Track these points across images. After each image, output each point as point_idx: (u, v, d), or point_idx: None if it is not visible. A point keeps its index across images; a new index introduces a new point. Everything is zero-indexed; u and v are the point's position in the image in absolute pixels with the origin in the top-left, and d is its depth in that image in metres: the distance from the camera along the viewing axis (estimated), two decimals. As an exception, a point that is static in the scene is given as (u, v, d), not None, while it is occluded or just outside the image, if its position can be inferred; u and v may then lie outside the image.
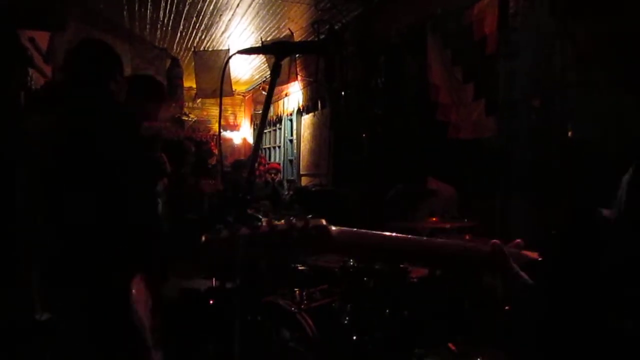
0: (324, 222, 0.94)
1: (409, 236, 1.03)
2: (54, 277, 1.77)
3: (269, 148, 10.38)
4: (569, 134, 3.10)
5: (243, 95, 11.76)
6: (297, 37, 6.69)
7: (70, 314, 1.71)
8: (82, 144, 1.80)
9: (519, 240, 1.07)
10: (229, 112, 11.94)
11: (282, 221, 0.96)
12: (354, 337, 2.49)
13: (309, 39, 6.69)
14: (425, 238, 1.09)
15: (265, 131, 10.42)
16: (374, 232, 1.01)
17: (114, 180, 1.77)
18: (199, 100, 10.50)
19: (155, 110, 2.98)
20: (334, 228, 0.95)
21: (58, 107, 1.94)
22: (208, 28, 6.91)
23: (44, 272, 1.80)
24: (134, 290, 1.66)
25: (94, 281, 1.71)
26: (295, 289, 2.82)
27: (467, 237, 2.66)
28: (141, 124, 2.70)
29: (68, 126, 1.86)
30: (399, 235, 1.01)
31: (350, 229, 0.99)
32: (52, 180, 1.82)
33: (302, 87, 7.99)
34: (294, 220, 0.94)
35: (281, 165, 9.11)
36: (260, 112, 10.09)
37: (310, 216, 0.95)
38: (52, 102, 2.00)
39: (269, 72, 7.82)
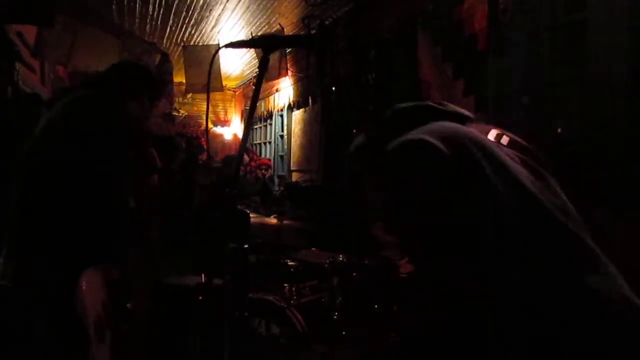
0: None
1: None
2: (12, 246, 1.81)
3: (260, 144, 10.36)
4: (558, 130, 3.12)
5: (234, 91, 11.72)
6: (288, 33, 6.66)
7: (19, 286, 1.75)
8: (59, 137, 1.81)
9: None
10: (220, 107, 11.90)
11: None
12: (344, 333, 2.49)
13: (297, 34, 6.68)
14: None
15: (255, 127, 10.40)
16: None
17: (83, 171, 1.78)
18: (189, 96, 10.45)
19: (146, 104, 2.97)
20: None
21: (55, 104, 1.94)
22: (198, 23, 6.87)
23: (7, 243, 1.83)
24: (84, 281, 1.68)
25: (46, 259, 1.74)
26: (285, 285, 2.82)
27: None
28: (139, 125, 2.70)
29: (53, 121, 1.86)
30: None
31: None
32: (29, 170, 1.85)
33: (292, 83, 7.97)
34: None
35: (272, 161, 9.10)
36: (251, 107, 10.05)
37: None
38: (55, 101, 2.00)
39: (258, 67, 7.79)
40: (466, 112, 1.29)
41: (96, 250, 1.79)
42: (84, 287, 1.68)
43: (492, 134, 1.20)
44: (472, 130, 1.20)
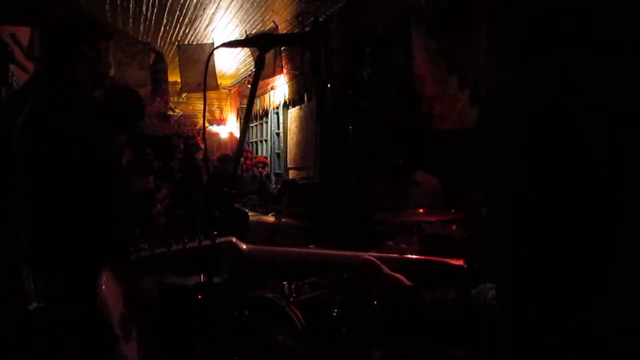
0: (233, 239, 1.04)
1: (312, 250, 1.14)
2: (30, 267, 1.80)
3: (256, 142, 10.35)
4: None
5: (229, 89, 11.70)
6: (282, 30, 6.66)
7: (47, 303, 1.75)
8: (36, 138, 1.78)
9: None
10: (215, 106, 11.88)
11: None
12: (343, 330, 2.50)
13: (293, 32, 6.67)
14: (326, 251, 1.20)
15: (251, 125, 10.39)
16: (286, 248, 1.13)
17: (74, 173, 1.76)
18: (184, 95, 10.43)
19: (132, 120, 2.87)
20: (244, 246, 1.05)
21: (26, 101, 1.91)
22: (192, 22, 6.86)
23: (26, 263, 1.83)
24: (103, 282, 1.70)
25: (62, 272, 1.74)
26: (284, 283, 2.82)
27: (454, 228, 2.68)
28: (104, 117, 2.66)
29: (22, 135, 1.83)
30: (304, 250, 1.12)
31: (264, 246, 1.10)
32: (20, 174, 1.83)
33: (287, 80, 7.97)
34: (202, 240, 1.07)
35: (268, 158, 9.10)
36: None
37: (216, 234, 1.07)
38: (25, 96, 1.96)
39: (254, 66, 7.77)
40: None
41: (108, 249, 1.80)
42: (104, 288, 1.70)
43: None
44: None
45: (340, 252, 1.14)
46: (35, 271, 1.79)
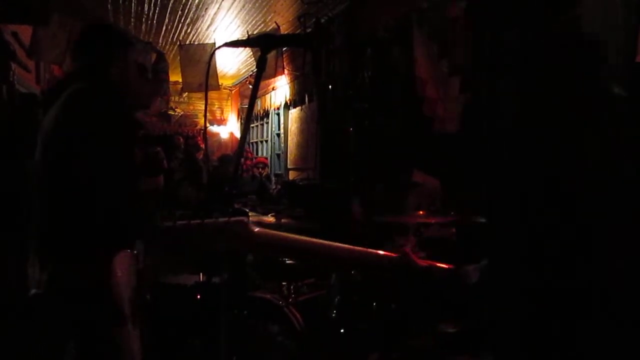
0: (245, 219, 1.17)
1: (322, 242, 1.23)
2: (42, 253, 1.82)
3: (257, 142, 10.36)
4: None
5: (230, 90, 11.70)
6: (284, 31, 6.66)
7: (55, 287, 1.77)
8: (65, 137, 1.81)
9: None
10: (216, 106, 11.88)
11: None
12: (342, 330, 2.50)
13: (295, 33, 6.68)
14: (335, 244, 1.31)
15: (252, 125, 10.39)
16: (292, 235, 1.24)
17: (95, 169, 1.78)
18: (185, 95, 10.43)
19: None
20: (256, 228, 1.18)
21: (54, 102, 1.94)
22: (194, 22, 6.86)
23: (34, 249, 1.86)
24: (118, 268, 1.73)
25: (78, 256, 1.76)
26: (283, 283, 2.83)
27: (453, 231, 2.68)
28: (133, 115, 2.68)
29: (55, 121, 1.86)
30: (312, 240, 1.20)
31: (272, 231, 1.20)
32: (41, 170, 1.86)
33: (289, 81, 7.97)
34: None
35: (268, 159, 9.10)
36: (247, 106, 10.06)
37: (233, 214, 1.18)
38: (53, 96, 2.00)
39: (256, 66, 7.77)
40: None
41: (120, 240, 1.82)
42: (119, 274, 1.72)
43: None
44: None
45: (350, 247, 1.21)
46: (43, 258, 1.81)
